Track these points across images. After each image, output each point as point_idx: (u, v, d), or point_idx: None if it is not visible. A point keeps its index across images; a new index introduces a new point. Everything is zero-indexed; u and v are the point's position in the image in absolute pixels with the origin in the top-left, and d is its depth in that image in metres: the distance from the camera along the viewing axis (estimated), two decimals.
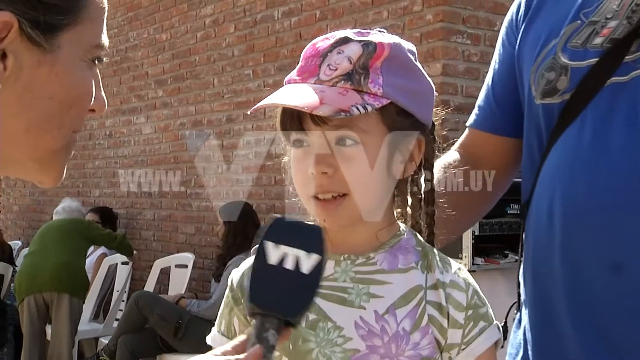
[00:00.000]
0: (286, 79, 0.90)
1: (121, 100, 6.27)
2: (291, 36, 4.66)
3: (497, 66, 1.22)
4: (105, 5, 0.77)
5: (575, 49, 1.05)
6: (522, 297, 1.12)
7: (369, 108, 0.83)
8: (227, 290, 0.96)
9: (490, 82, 1.23)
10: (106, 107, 0.79)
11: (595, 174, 0.98)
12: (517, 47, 1.16)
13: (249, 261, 0.96)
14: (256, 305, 0.73)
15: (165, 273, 5.19)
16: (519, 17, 1.17)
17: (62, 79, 0.72)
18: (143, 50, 6.01)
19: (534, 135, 1.11)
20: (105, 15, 0.77)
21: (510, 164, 1.23)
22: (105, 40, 0.77)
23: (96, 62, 0.76)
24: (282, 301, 0.73)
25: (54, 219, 5.24)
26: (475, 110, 1.26)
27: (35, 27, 0.69)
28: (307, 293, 0.74)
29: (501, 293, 3.03)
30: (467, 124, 1.28)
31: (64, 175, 0.79)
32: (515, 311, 1.16)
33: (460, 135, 1.31)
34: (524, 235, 1.12)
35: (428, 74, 0.95)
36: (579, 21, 1.06)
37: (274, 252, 0.74)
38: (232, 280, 0.96)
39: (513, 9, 1.20)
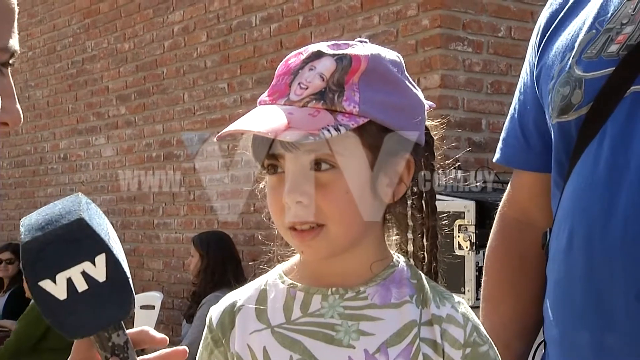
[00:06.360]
0: (258, 99, 0.93)
1: (77, 118, 6.27)
2: (271, 45, 4.70)
3: (521, 96, 1.24)
4: (15, 5, 0.79)
5: (590, 59, 1.07)
6: (546, 334, 1.14)
7: (343, 129, 0.85)
8: (206, 331, 0.97)
9: (515, 113, 1.25)
10: (21, 120, 0.81)
11: (614, 195, 1.00)
12: (536, 70, 1.19)
13: (229, 297, 0.97)
14: (81, 337, 0.75)
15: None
16: (536, 40, 1.21)
17: None
18: (103, 61, 6.03)
19: (555, 159, 1.14)
20: (16, 16, 0.79)
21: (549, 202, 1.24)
22: (13, 43, 0.78)
23: (2, 67, 0.78)
24: (104, 316, 0.73)
25: None
26: (500, 145, 1.29)
27: None
28: (122, 293, 0.74)
29: None
30: (494, 159, 1.32)
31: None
32: (543, 350, 1.17)
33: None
34: (547, 266, 1.14)
35: (425, 86, 0.98)
36: (594, 31, 1.08)
37: (56, 287, 0.70)
38: (210, 319, 0.97)
39: (534, 31, 1.23)
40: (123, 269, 0.73)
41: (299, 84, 0.88)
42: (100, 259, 0.70)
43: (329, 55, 0.89)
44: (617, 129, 1.02)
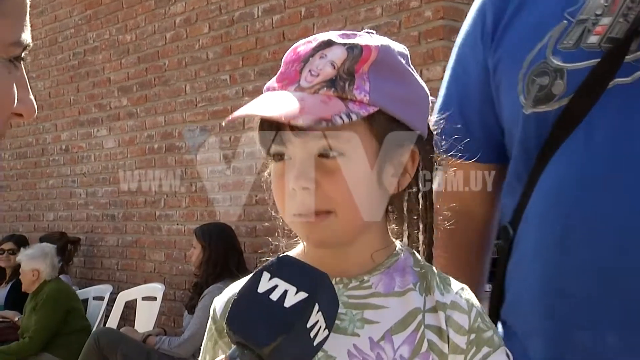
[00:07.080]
0: (265, 86, 0.93)
1: (79, 110, 6.27)
2: (273, 36, 4.70)
3: (461, 86, 1.23)
4: None
5: (567, 50, 1.07)
6: (527, 326, 1.13)
7: (354, 117, 0.86)
8: (210, 322, 0.98)
9: (452, 103, 1.23)
10: (35, 110, 0.82)
11: (619, 188, 1.00)
12: (491, 57, 1.18)
13: (232, 287, 0.98)
14: (230, 328, 0.79)
15: (130, 307, 5.17)
16: (487, 29, 1.20)
17: None
18: (104, 53, 6.02)
19: (522, 149, 1.13)
20: (27, 10, 0.80)
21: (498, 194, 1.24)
22: (26, 37, 0.79)
23: (15, 61, 0.79)
24: (255, 330, 0.78)
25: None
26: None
27: None
28: (281, 326, 0.78)
29: None
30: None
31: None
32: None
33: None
34: (508, 262, 1.13)
35: (428, 78, 0.98)
36: (565, 21, 1.09)
37: (266, 282, 0.81)
38: (214, 310, 0.98)
39: (478, 18, 1.22)
40: (302, 316, 0.78)
41: (309, 71, 0.89)
42: (301, 295, 0.79)
43: (340, 44, 0.90)
44: (611, 121, 1.02)
